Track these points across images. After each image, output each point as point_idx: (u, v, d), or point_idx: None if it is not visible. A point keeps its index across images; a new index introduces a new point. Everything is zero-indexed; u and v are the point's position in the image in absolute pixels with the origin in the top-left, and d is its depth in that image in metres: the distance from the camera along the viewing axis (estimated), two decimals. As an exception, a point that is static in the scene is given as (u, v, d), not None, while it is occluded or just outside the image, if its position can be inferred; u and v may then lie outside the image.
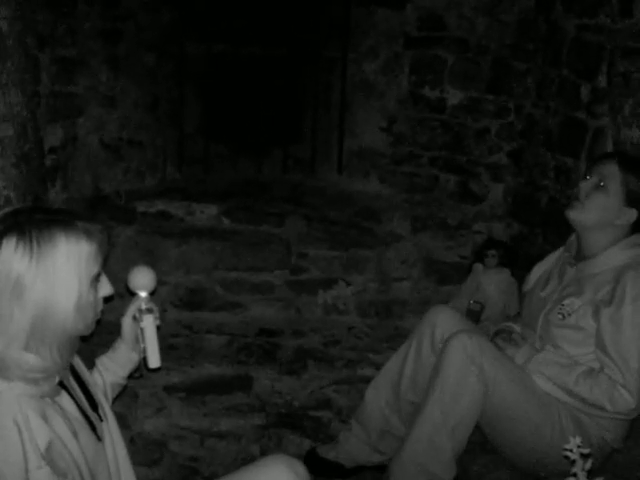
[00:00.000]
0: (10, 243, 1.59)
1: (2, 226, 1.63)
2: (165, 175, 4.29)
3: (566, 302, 2.67)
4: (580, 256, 2.76)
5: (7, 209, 1.72)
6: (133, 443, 3.45)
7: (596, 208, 2.63)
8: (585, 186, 2.66)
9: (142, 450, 3.48)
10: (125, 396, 3.18)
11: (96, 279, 1.71)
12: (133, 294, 2.13)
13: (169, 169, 4.31)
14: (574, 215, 2.69)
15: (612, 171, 2.61)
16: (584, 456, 1.42)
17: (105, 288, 1.77)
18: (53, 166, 3.41)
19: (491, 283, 3.71)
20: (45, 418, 1.64)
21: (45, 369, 1.68)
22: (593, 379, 2.55)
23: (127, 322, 2.11)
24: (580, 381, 2.57)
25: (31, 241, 1.59)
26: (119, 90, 3.87)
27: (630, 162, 2.67)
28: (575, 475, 1.41)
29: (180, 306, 3.92)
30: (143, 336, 2.09)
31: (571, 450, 1.42)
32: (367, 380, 3.29)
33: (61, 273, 1.62)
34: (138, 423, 3.50)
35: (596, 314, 2.58)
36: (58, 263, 1.61)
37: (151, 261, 3.76)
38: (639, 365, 2.49)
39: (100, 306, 1.77)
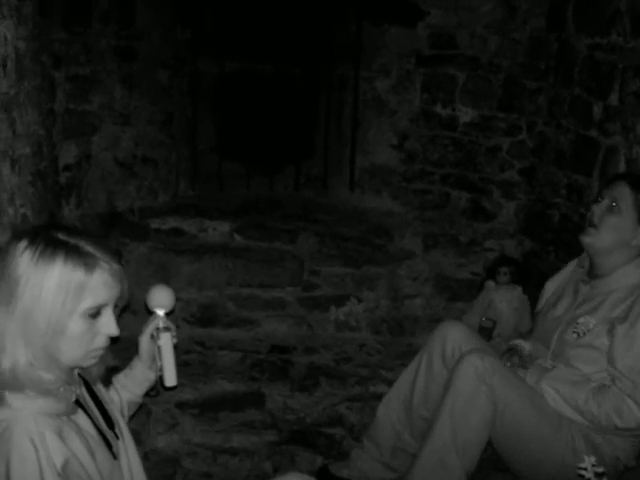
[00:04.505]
0: (20, 246, 1.65)
1: (26, 231, 1.73)
2: (178, 192, 4.30)
3: (581, 320, 2.68)
4: (593, 274, 2.77)
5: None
6: (146, 459, 3.44)
7: (610, 231, 2.65)
8: (598, 209, 2.68)
9: (155, 467, 3.47)
10: (138, 412, 3.19)
11: (94, 313, 1.68)
12: (151, 312, 2.14)
13: (182, 186, 4.33)
14: (589, 240, 2.70)
15: (623, 192, 2.63)
16: (598, 475, 1.43)
17: (106, 326, 1.71)
18: (67, 183, 3.43)
19: (503, 300, 3.71)
20: (62, 437, 1.64)
21: (56, 381, 1.69)
22: (602, 395, 2.56)
23: (145, 340, 2.12)
24: (590, 399, 2.57)
25: (35, 253, 1.63)
26: (133, 108, 3.89)
27: (641, 182, 2.69)
28: (589, 494, 1.42)
29: (193, 322, 3.94)
30: (160, 354, 2.09)
31: (585, 469, 1.42)
32: (379, 397, 3.29)
33: (46, 292, 1.62)
34: (151, 439, 3.50)
35: (610, 332, 2.58)
36: (47, 281, 1.62)
37: (164, 277, 3.79)
38: None
39: (101, 342, 1.72)
